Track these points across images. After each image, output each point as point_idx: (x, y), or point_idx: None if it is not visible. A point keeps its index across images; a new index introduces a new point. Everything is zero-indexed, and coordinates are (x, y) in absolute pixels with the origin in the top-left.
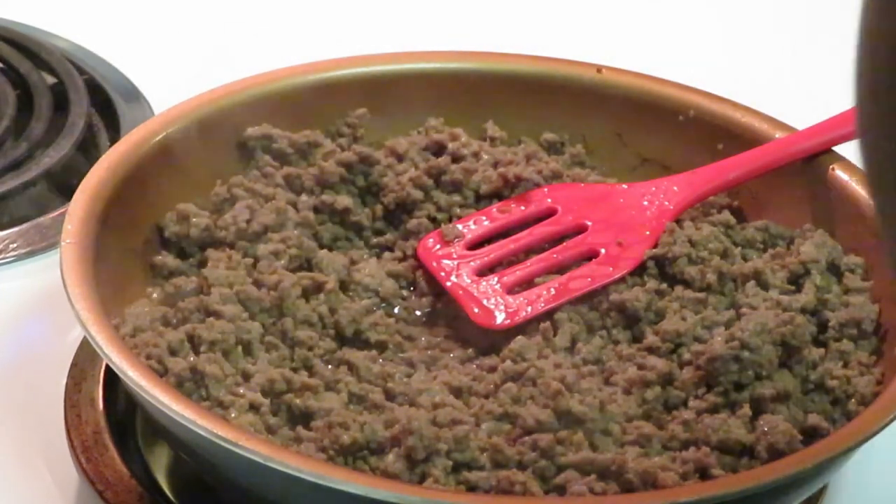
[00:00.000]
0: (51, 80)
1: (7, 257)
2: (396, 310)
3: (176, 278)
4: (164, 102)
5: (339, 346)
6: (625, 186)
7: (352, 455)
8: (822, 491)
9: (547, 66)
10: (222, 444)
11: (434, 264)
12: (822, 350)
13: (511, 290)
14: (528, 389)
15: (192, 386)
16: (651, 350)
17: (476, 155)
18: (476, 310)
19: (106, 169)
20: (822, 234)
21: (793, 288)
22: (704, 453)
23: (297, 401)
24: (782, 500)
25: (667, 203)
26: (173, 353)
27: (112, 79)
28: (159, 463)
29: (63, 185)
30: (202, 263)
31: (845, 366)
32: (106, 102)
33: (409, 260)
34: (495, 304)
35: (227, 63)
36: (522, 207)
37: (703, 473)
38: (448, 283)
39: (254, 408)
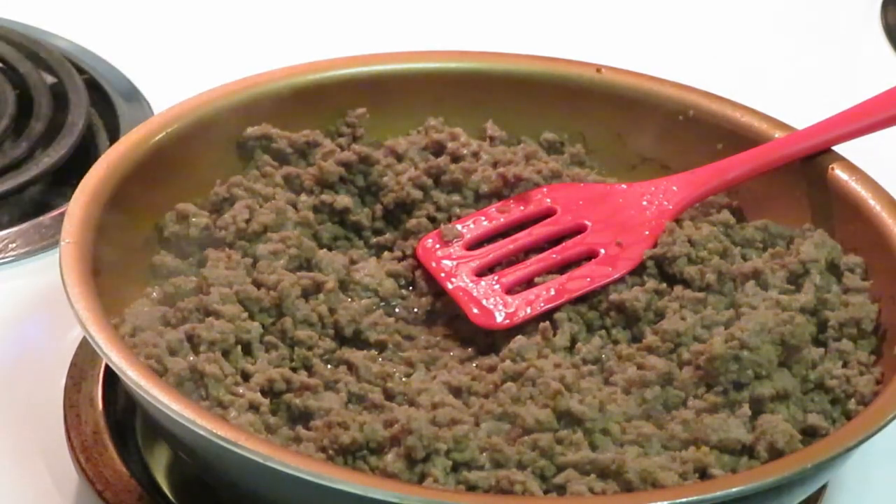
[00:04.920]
0: (51, 80)
1: (7, 257)
2: (396, 309)
3: (175, 278)
4: (164, 102)
5: (339, 346)
6: (624, 186)
7: (351, 455)
8: (822, 491)
9: (547, 66)
10: (222, 443)
11: (433, 264)
12: (821, 350)
13: (510, 290)
14: (528, 389)
15: (191, 386)
16: (651, 350)
17: (476, 155)
18: (475, 310)
19: (105, 169)
20: (821, 233)
21: (792, 288)
22: (704, 453)
23: (297, 400)
24: (782, 500)
25: (666, 203)
26: (173, 352)
27: (112, 79)
28: (159, 463)
29: (63, 185)
30: (201, 263)
31: (845, 365)
32: (106, 102)
33: (409, 259)
34: (494, 304)
35: (227, 63)
36: (522, 207)
37: (703, 473)
38: (449, 285)
39: (253, 407)
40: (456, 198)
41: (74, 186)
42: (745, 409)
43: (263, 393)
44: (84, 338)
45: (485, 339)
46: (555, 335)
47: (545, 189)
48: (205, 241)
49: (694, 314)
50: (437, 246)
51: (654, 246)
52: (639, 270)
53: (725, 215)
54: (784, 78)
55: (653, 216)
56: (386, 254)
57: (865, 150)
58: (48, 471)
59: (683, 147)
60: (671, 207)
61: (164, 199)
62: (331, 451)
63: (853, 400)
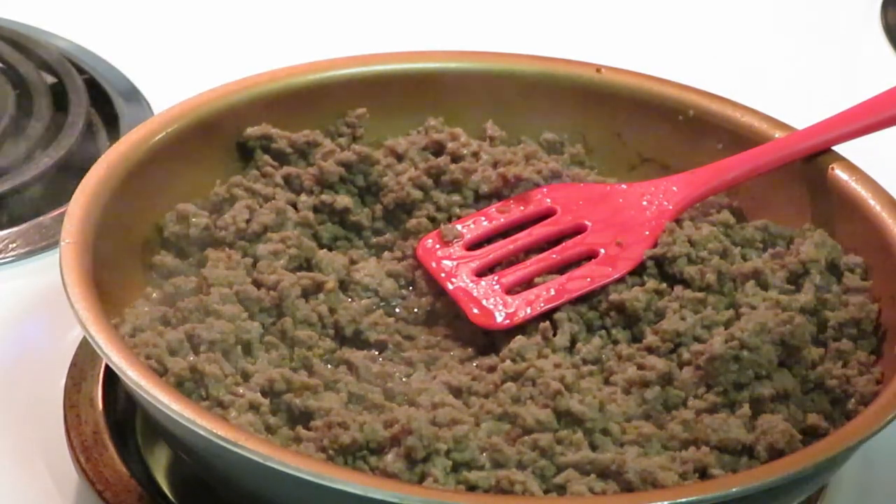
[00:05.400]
0: (51, 80)
1: (7, 257)
2: (396, 309)
3: (175, 278)
4: (164, 102)
5: (339, 346)
6: (624, 186)
7: (351, 455)
8: (822, 491)
9: (547, 66)
10: (222, 444)
11: (433, 265)
12: (821, 350)
13: (510, 290)
14: (528, 389)
15: (191, 386)
16: (651, 350)
17: (476, 155)
18: (475, 310)
19: (105, 169)
20: (821, 233)
21: (792, 288)
22: (704, 453)
23: (297, 400)
24: (782, 500)
25: (666, 203)
26: (173, 352)
27: (112, 79)
28: (159, 463)
29: (63, 185)
30: (201, 263)
31: (845, 365)
32: (106, 102)
33: (409, 259)
34: (494, 304)
35: (227, 63)
36: (521, 208)
37: (703, 473)
38: (449, 286)
39: (253, 408)
40: (456, 198)
41: (74, 186)
42: (745, 409)
43: (263, 393)
44: (84, 338)
45: (485, 339)
46: (555, 335)
47: (545, 189)
48: (205, 241)
49: (694, 314)
50: (437, 246)
51: (654, 246)
52: (639, 270)
53: (725, 215)
54: (784, 78)
55: (653, 216)
56: (386, 254)
57: (865, 150)
58: (48, 471)
59: (683, 147)
60: (671, 207)
61: (164, 199)
62: (331, 451)
63: (853, 400)
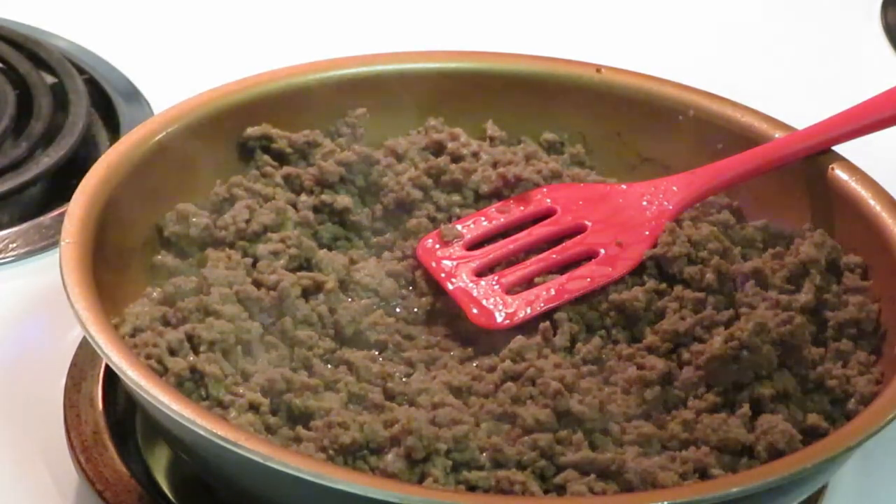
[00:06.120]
0: (51, 80)
1: (7, 257)
2: (396, 309)
3: (175, 278)
4: (164, 102)
5: (339, 346)
6: (624, 186)
7: (351, 455)
8: (822, 491)
9: (547, 66)
10: (222, 443)
11: (433, 265)
12: (821, 350)
13: (510, 290)
14: (528, 389)
15: (191, 386)
16: (651, 350)
17: (475, 155)
18: (475, 310)
19: (105, 169)
20: (821, 233)
21: (792, 287)
22: (704, 453)
23: (297, 400)
24: (782, 500)
25: (666, 203)
26: (173, 352)
27: (112, 79)
28: (159, 463)
29: (63, 185)
30: (202, 263)
31: (845, 365)
32: (106, 102)
33: (409, 259)
34: (494, 304)
35: (227, 63)
36: (521, 208)
37: (703, 473)
38: (449, 286)
39: (253, 407)
40: (456, 198)
41: (74, 186)
42: (745, 410)
43: (263, 393)
44: (84, 338)
45: (485, 339)
46: (555, 335)
47: (545, 189)
48: (205, 241)
49: (694, 314)
50: (437, 246)
51: (654, 246)
52: (639, 270)
53: (725, 215)
54: (784, 78)
55: (653, 216)
56: (386, 254)
57: (865, 151)
58: (48, 471)
59: (683, 147)
60: (671, 207)
61: (165, 200)
62: (331, 451)
63: (853, 400)
